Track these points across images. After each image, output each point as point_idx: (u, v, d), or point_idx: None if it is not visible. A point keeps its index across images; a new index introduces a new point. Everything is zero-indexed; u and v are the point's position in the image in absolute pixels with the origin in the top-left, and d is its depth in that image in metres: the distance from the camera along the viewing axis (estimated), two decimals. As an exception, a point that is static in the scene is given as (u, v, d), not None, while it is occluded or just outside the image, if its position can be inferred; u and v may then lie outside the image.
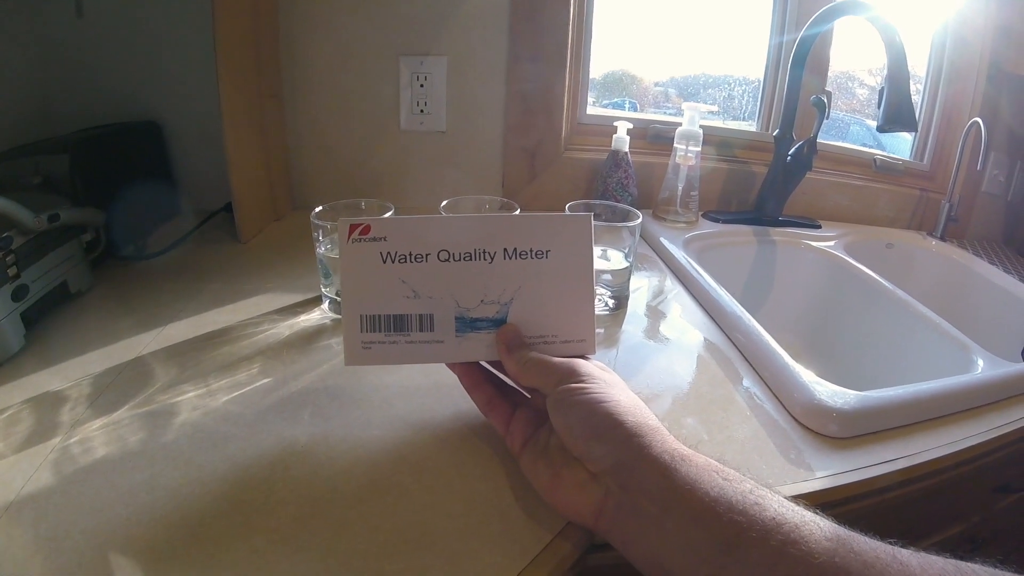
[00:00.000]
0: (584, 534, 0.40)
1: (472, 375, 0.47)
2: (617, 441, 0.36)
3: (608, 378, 0.41)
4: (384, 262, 0.42)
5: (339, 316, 0.65)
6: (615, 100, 1.34)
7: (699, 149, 0.98)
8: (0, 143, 0.77)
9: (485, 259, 0.44)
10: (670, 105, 1.34)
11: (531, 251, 0.44)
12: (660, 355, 0.62)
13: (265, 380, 0.54)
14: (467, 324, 0.44)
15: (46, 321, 0.61)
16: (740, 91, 1.28)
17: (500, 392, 0.47)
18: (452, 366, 0.47)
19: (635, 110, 1.33)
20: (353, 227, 0.42)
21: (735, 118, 1.29)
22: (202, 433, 0.47)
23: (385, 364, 0.45)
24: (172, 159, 0.99)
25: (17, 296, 0.56)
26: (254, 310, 0.66)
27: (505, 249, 0.44)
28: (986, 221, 1.21)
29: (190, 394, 0.52)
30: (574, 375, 0.40)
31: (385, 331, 0.43)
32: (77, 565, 0.35)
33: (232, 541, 0.37)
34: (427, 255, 0.43)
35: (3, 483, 0.41)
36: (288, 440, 0.47)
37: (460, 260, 0.43)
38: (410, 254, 0.43)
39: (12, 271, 0.55)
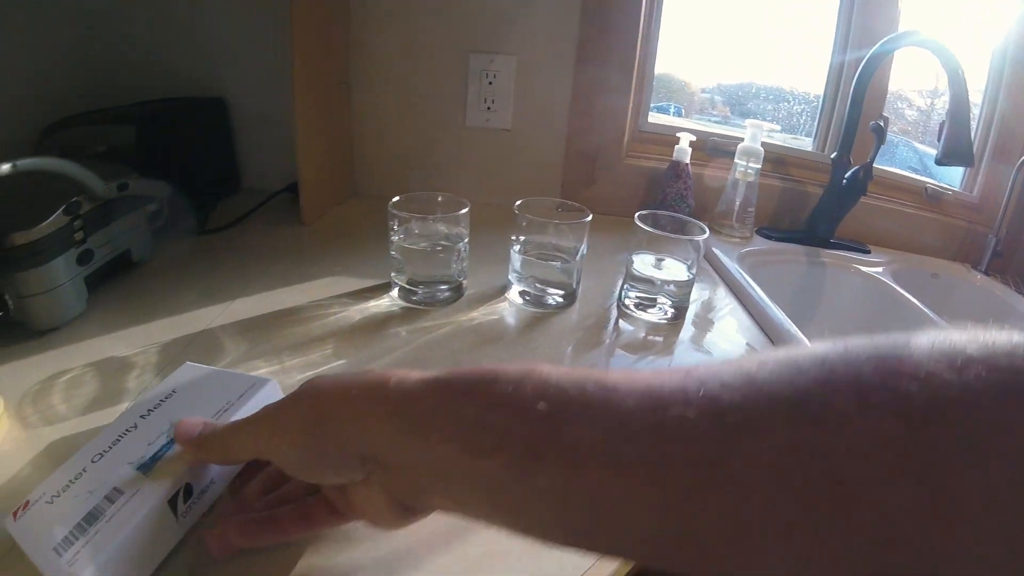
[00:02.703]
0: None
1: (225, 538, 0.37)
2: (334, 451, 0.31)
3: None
4: (52, 503, 0.35)
5: (408, 304, 0.67)
6: (661, 104, 1.34)
7: (759, 166, 0.99)
8: (59, 110, 0.78)
9: (130, 431, 0.40)
10: (715, 113, 1.34)
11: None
12: (715, 368, 0.63)
13: (339, 361, 0.56)
14: (149, 464, 0.38)
15: (108, 287, 0.63)
16: (789, 104, 1.27)
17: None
18: (209, 545, 0.37)
19: (680, 115, 1.33)
20: (15, 513, 0.35)
21: (783, 131, 1.29)
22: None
23: (105, 554, 0.32)
24: (236, 137, 1.00)
25: (82, 260, 0.57)
26: (322, 292, 0.68)
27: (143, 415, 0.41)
28: (1031, 258, 1.19)
29: (263, 370, 0.53)
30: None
31: (79, 534, 0.33)
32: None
33: None
34: (83, 469, 0.37)
35: (67, 445, 0.43)
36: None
37: (111, 448, 0.39)
38: (68, 482, 0.36)
39: (79, 236, 0.56)
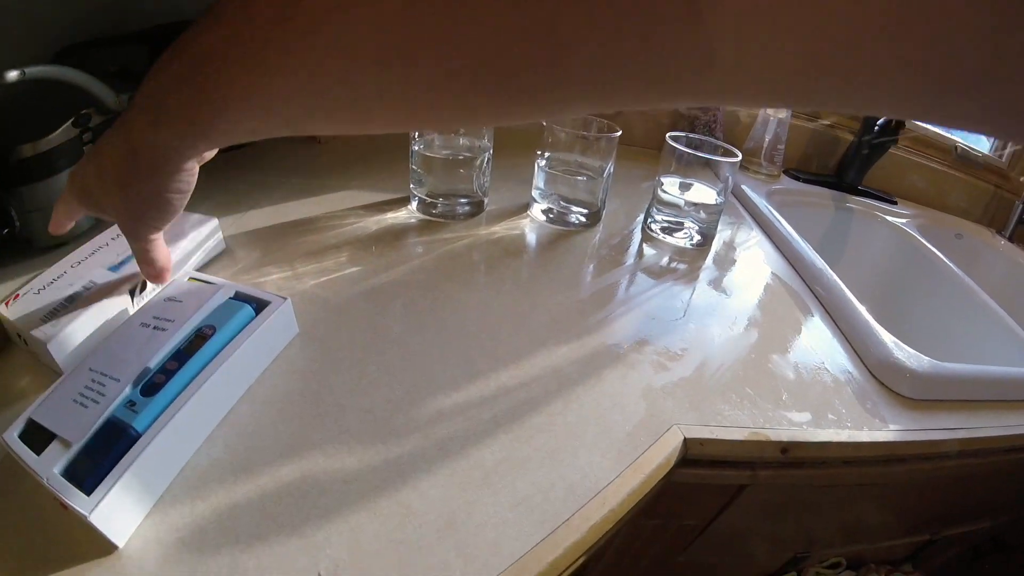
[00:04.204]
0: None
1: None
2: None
3: None
4: (39, 294, 0.43)
5: (427, 217, 0.65)
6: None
7: (792, 103, 0.95)
8: (72, 35, 0.75)
9: (103, 247, 0.48)
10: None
11: None
12: (742, 295, 0.62)
13: (354, 269, 0.54)
14: (118, 266, 0.46)
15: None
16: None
17: None
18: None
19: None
20: (7, 302, 0.42)
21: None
22: (289, 315, 0.47)
23: (76, 322, 0.41)
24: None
25: (91, 174, 0.56)
26: (338, 204, 0.66)
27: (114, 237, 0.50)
28: (1058, 230, 1.17)
29: (274, 276, 0.52)
30: None
31: (61, 311, 0.41)
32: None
33: (322, 421, 0.38)
34: (64, 272, 0.45)
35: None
36: (380, 327, 0.47)
37: (88, 258, 0.47)
38: (52, 280, 0.44)
39: (88, 148, 0.53)
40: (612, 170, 0.66)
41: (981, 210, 1.14)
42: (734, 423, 0.44)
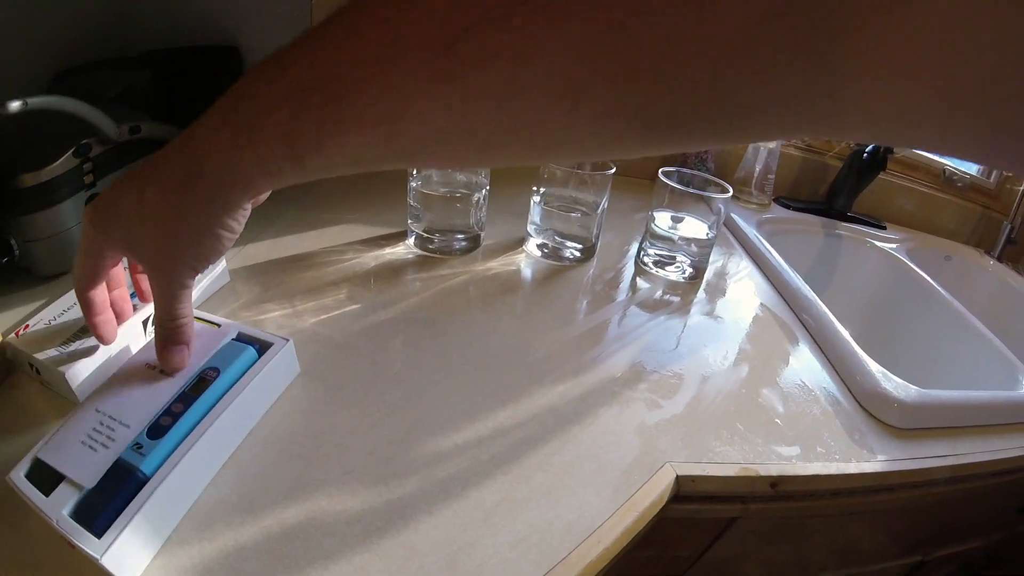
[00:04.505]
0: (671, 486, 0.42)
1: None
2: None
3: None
4: (49, 325, 0.44)
5: (425, 253, 0.66)
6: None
7: (781, 133, 0.97)
8: (71, 58, 0.77)
9: None
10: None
11: None
12: (733, 328, 0.63)
13: (354, 306, 0.55)
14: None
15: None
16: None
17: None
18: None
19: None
20: (17, 332, 0.43)
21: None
22: (290, 352, 0.48)
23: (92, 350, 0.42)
24: (249, 87, 0.98)
25: (92, 204, 0.56)
26: (336, 239, 0.67)
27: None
28: (1045, 248, 1.19)
29: (275, 313, 0.53)
30: None
31: (74, 340, 0.42)
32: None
33: (325, 461, 0.39)
34: (74, 303, 0.45)
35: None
36: (381, 365, 0.48)
37: None
38: (63, 311, 0.45)
39: (88, 179, 0.54)
40: (606, 205, 0.67)
41: (969, 231, 1.16)
42: (725, 459, 0.45)
